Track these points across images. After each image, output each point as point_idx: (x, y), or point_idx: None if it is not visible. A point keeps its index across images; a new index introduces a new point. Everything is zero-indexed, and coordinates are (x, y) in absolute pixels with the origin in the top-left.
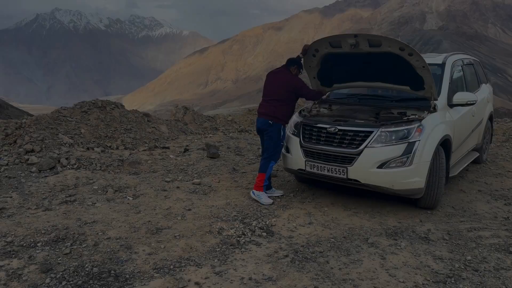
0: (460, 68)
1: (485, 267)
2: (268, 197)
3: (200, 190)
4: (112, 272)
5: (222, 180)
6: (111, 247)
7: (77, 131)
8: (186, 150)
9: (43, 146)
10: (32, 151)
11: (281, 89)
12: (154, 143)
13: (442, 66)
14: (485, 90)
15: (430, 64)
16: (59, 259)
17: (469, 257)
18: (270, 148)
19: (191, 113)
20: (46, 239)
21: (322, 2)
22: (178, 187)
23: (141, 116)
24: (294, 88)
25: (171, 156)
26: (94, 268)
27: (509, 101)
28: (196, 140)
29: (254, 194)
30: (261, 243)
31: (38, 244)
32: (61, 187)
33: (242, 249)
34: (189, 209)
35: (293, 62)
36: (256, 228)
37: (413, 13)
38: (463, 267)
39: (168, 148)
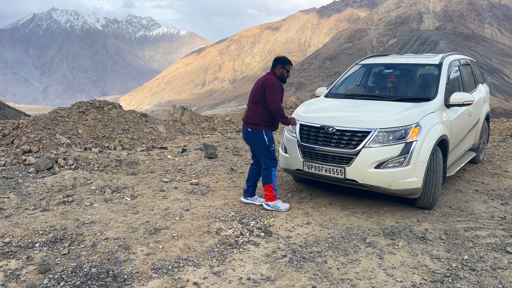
0: (457, 68)
1: (482, 267)
2: (247, 203)
3: (198, 190)
4: (110, 272)
5: (220, 181)
6: (109, 247)
7: (75, 132)
8: (184, 150)
9: (41, 146)
10: (30, 151)
11: (256, 90)
12: (152, 144)
13: (439, 66)
14: (482, 90)
15: (427, 65)
16: (57, 259)
17: (466, 257)
18: (262, 156)
19: (189, 113)
20: (44, 239)
21: (319, 2)
22: (176, 188)
23: (138, 117)
24: (265, 88)
25: (169, 156)
26: (92, 269)
27: (505, 101)
28: (193, 141)
29: (269, 206)
30: (259, 243)
31: (36, 245)
32: (58, 188)
33: (240, 249)
34: (187, 210)
35: (276, 62)
36: (254, 228)
37: (410, 13)
38: (460, 267)
39: (166, 148)
